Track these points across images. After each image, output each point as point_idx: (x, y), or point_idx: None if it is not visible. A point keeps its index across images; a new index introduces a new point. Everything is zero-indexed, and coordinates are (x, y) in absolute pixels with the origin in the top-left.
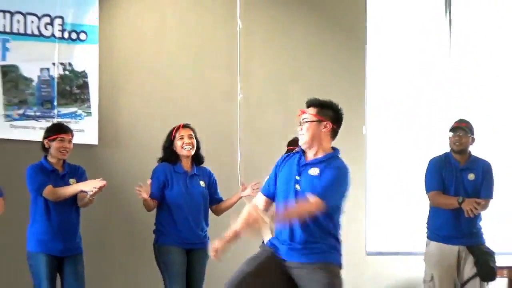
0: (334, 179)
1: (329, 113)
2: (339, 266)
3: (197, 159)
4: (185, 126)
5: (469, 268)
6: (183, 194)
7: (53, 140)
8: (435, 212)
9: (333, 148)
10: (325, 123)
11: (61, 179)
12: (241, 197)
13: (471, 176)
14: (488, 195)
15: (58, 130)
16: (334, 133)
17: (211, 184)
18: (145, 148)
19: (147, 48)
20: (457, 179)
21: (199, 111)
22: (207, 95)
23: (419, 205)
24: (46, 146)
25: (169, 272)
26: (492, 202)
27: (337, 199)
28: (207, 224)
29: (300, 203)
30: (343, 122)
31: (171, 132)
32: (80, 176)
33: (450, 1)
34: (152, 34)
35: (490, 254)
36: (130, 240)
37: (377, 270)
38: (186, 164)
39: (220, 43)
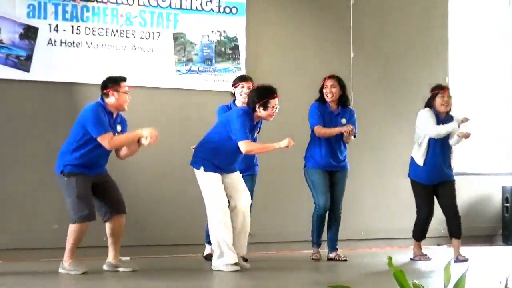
0: None
1: None
2: None
3: (342, 101)
4: (332, 77)
5: None
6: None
7: (237, 87)
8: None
9: None
10: None
11: None
12: None
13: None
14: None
15: (240, 79)
16: None
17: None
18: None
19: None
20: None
21: None
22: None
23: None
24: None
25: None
26: None
27: None
28: None
29: None
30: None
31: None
32: None
33: None
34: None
35: None
36: None
37: None
38: (333, 106)
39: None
